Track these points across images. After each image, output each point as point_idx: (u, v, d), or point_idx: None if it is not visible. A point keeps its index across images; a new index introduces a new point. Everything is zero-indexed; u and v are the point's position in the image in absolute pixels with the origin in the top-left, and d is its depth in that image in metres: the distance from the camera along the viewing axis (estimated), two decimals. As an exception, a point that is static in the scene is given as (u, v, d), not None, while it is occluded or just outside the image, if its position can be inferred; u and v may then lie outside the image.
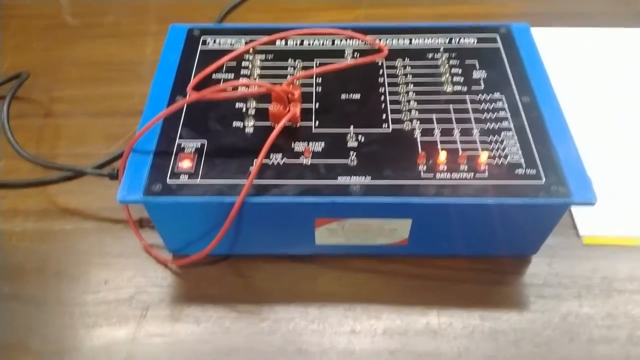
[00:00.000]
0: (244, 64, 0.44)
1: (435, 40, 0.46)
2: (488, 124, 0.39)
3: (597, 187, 0.35)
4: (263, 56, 0.45)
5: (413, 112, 0.40)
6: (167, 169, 0.37)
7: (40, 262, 0.42)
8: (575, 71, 0.56)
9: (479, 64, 0.44)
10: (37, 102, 0.55)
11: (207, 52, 0.45)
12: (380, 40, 0.46)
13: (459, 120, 0.40)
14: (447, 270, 0.41)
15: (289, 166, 0.37)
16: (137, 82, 0.53)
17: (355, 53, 0.45)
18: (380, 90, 0.42)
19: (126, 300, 0.40)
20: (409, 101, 0.41)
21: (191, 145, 0.38)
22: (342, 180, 0.36)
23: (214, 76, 0.43)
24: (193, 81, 0.41)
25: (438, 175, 0.36)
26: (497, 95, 0.41)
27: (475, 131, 0.39)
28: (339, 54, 0.45)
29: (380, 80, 0.43)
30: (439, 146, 0.38)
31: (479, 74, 0.43)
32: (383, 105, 0.41)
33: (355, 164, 0.37)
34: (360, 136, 0.39)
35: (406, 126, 0.39)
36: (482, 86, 0.42)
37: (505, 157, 0.37)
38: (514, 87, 0.42)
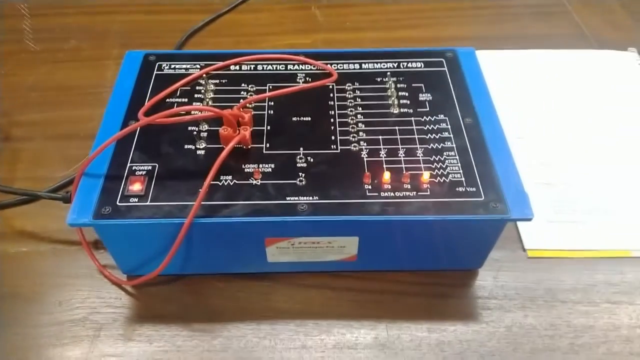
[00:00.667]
0: (197, 88, 0.45)
1: (384, 64, 0.48)
2: (432, 144, 0.41)
3: (540, 202, 0.36)
4: (217, 80, 0.46)
5: (361, 133, 0.42)
6: (118, 192, 0.37)
7: (-4, 284, 0.43)
8: (520, 91, 0.59)
9: (425, 87, 0.46)
10: (-4, 126, 0.55)
11: (162, 77, 0.46)
12: (331, 65, 0.47)
13: (404, 141, 0.41)
14: (396, 285, 0.42)
15: (239, 187, 0.38)
16: (97, 106, 0.53)
17: (307, 77, 0.47)
18: (330, 113, 0.44)
19: (80, 321, 0.40)
20: (357, 123, 0.43)
21: (142, 168, 0.39)
22: (290, 200, 0.37)
23: (167, 100, 0.44)
24: (145, 106, 0.42)
25: (383, 194, 0.38)
26: (441, 116, 0.43)
27: (419, 151, 0.40)
28: (292, 78, 0.47)
29: (331, 103, 0.44)
30: (385, 166, 0.39)
31: (424, 97, 0.45)
32: (332, 127, 0.42)
33: (303, 183, 0.38)
34: (309, 157, 0.40)
35: (354, 147, 0.41)
36: (427, 108, 0.44)
37: (447, 175, 0.39)
38: (457, 109, 0.44)
